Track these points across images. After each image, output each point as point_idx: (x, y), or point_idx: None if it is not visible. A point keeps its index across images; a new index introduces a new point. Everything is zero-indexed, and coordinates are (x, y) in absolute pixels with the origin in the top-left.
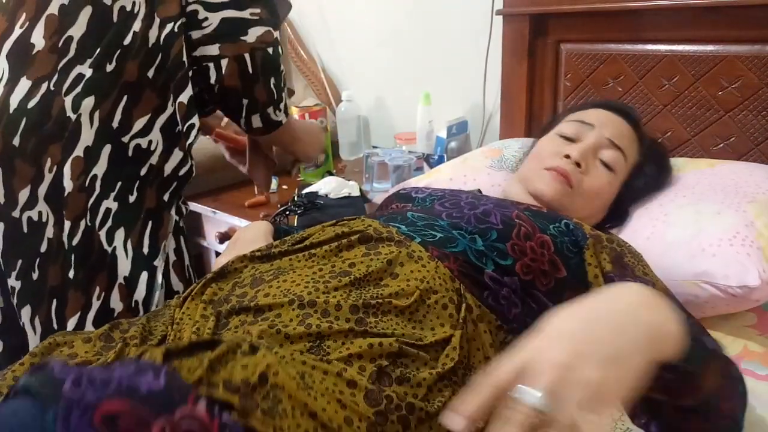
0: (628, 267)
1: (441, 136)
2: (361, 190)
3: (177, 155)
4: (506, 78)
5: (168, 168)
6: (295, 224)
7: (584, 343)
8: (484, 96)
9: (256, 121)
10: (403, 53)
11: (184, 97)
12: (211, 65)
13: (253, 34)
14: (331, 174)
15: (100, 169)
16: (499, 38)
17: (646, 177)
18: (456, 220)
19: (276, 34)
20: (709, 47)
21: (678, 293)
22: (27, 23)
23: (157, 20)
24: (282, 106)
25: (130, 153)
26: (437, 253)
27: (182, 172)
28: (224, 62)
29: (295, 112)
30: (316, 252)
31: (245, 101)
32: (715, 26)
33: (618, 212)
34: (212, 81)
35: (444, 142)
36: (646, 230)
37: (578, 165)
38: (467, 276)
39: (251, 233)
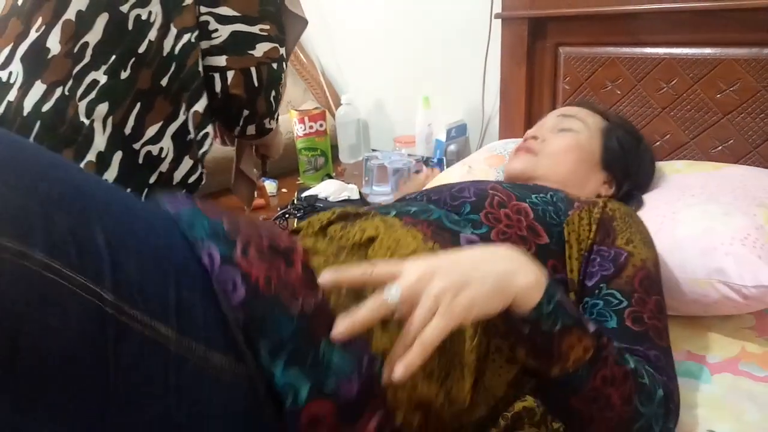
0: (611, 233)
1: (440, 139)
2: (360, 193)
3: (187, 163)
4: (505, 81)
5: (178, 176)
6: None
7: (443, 266)
8: (483, 99)
9: (251, 130)
10: (402, 56)
11: (200, 106)
12: (217, 75)
13: (260, 49)
14: (330, 177)
15: (110, 174)
16: (498, 42)
17: (619, 138)
18: (433, 200)
19: (282, 50)
20: (708, 50)
21: (687, 291)
22: (43, 27)
23: (174, 30)
24: (276, 115)
25: (140, 160)
26: (410, 220)
27: (192, 179)
28: (230, 74)
29: (294, 116)
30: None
31: (246, 112)
32: (714, 29)
33: (620, 189)
34: (217, 90)
35: (443, 145)
36: (654, 226)
37: (536, 138)
38: (441, 237)
39: None
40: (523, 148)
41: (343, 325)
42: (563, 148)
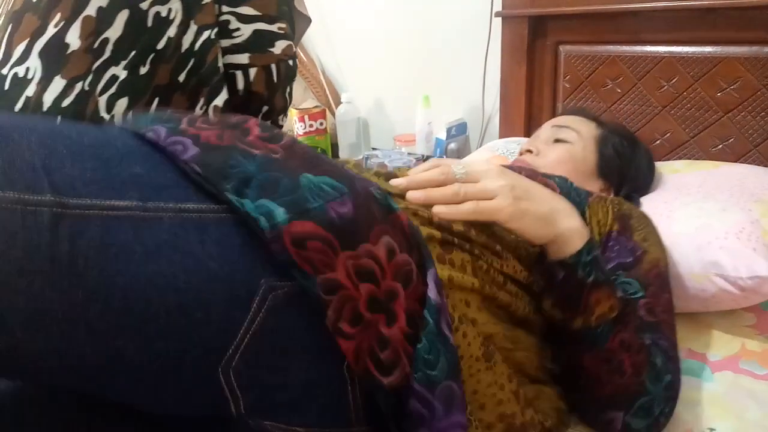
0: (629, 229)
1: (440, 137)
2: None
3: None
4: (505, 80)
5: None
6: None
7: (512, 176)
8: (483, 98)
9: None
10: (402, 55)
11: (219, 100)
12: (239, 73)
13: (279, 47)
14: None
15: None
16: (498, 40)
17: (614, 145)
18: None
19: (294, 47)
20: (708, 48)
21: (685, 287)
22: (62, 23)
23: (194, 27)
24: (287, 113)
25: None
26: None
27: None
28: (253, 71)
29: (294, 114)
30: None
31: (265, 108)
32: (714, 27)
33: (618, 195)
34: (239, 87)
35: (443, 143)
36: None
37: (531, 152)
38: None
39: None
40: (519, 162)
41: (404, 182)
42: (556, 160)
